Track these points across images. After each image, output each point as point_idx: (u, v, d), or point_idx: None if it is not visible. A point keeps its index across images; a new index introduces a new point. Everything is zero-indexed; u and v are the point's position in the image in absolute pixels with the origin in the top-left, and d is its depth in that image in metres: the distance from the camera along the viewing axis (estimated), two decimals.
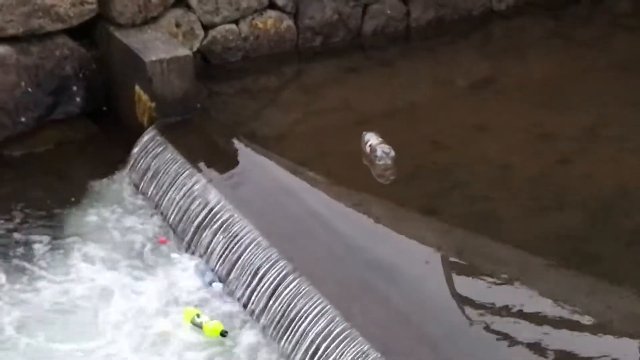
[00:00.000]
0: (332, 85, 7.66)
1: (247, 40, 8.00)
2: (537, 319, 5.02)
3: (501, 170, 6.41)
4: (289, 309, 5.29)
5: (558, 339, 4.86)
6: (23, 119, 7.21)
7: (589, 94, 7.33)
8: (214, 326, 5.41)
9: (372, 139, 6.31)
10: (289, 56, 8.08)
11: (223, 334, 5.38)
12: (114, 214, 6.50)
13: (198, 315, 5.48)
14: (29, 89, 7.20)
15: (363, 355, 4.82)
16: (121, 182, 6.82)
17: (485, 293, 5.23)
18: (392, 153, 6.15)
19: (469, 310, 5.10)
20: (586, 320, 4.99)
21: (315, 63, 8.03)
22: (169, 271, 5.92)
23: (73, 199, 6.62)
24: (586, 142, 6.74)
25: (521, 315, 5.06)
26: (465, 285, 5.31)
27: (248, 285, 5.59)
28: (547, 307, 5.08)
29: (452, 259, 5.57)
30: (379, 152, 6.10)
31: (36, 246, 6.18)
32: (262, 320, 5.43)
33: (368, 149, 6.22)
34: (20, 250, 6.15)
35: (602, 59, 7.99)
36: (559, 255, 5.52)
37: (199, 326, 5.44)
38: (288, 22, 8.11)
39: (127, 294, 5.76)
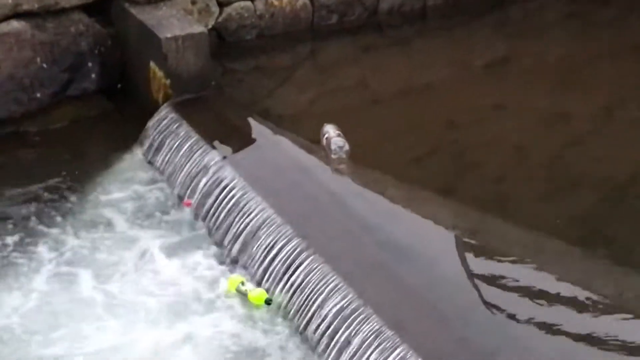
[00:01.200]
0: (348, 64, 7.65)
1: (263, 18, 7.99)
2: (551, 299, 5.01)
3: (516, 150, 6.39)
4: (303, 286, 5.31)
5: (572, 320, 4.85)
6: (38, 95, 7.22)
7: (605, 76, 7.30)
8: (258, 294, 5.45)
9: (330, 131, 6.25)
10: (304, 34, 8.07)
11: (267, 301, 5.43)
12: (128, 190, 6.52)
13: (242, 283, 5.53)
14: (44, 65, 7.20)
15: (376, 333, 4.82)
16: (136, 159, 6.83)
17: (500, 273, 5.23)
18: (347, 147, 6.09)
19: (483, 290, 5.10)
20: (601, 301, 4.97)
21: (331, 41, 8.02)
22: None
23: (88, 175, 6.64)
24: (602, 124, 6.72)
25: (535, 295, 5.06)
26: (480, 265, 5.30)
27: (261, 263, 5.60)
28: (561, 287, 5.07)
29: (467, 239, 5.56)
30: (333, 146, 6.08)
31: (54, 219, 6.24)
32: (276, 296, 5.44)
33: (324, 141, 6.19)
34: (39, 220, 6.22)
35: (619, 40, 7.95)
36: (574, 236, 5.51)
37: (243, 294, 5.49)
38: None
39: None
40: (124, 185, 6.57)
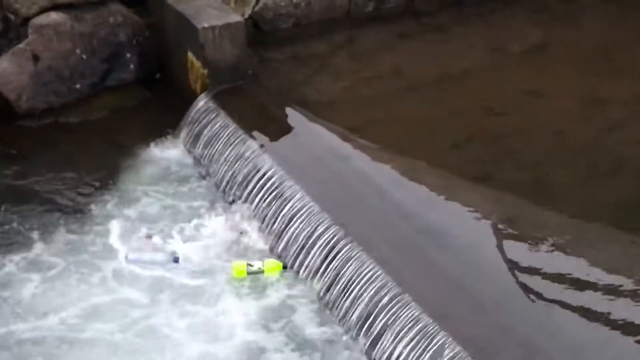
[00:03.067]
0: (384, 52, 7.64)
1: (299, 7, 8.00)
2: (589, 286, 5.01)
3: (554, 136, 6.36)
4: (341, 274, 5.34)
5: (611, 307, 4.84)
6: (78, 86, 7.30)
7: None
8: (273, 265, 5.58)
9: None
10: (340, 22, 8.07)
11: (284, 267, 5.58)
12: (166, 180, 6.58)
13: (250, 265, 5.59)
14: (84, 56, 7.27)
15: (415, 320, 4.85)
16: (174, 148, 6.88)
17: (538, 260, 5.23)
18: None
19: (521, 276, 5.10)
20: None
21: (367, 29, 8.01)
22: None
23: (128, 165, 6.71)
24: None
25: (574, 282, 5.05)
26: (518, 251, 5.30)
27: (299, 251, 5.64)
28: (600, 274, 5.06)
29: (504, 226, 5.55)
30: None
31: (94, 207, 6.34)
32: (314, 283, 5.49)
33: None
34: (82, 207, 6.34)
35: None
36: (613, 222, 5.48)
37: (258, 272, 5.59)
38: None
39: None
40: (163, 175, 6.63)
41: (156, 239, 5.85)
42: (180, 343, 5.23)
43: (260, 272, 5.58)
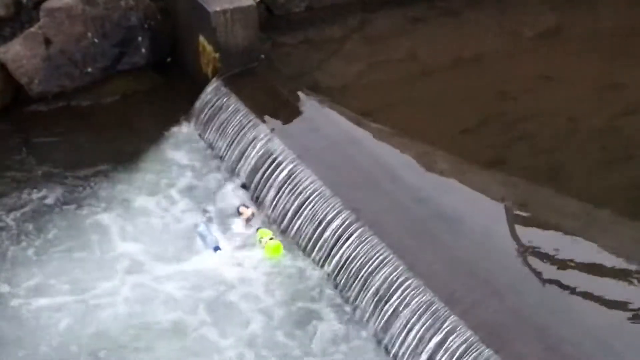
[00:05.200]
0: (397, 36, 7.59)
1: None
2: (603, 271, 4.98)
3: (568, 121, 6.32)
4: (352, 257, 5.32)
5: (625, 292, 4.81)
6: (90, 70, 7.28)
7: None
8: (275, 245, 5.65)
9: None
10: (353, 6, 8.01)
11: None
12: (178, 163, 6.57)
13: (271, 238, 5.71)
14: (96, 40, 7.25)
15: (427, 305, 4.83)
16: (186, 132, 6.87)
17: (551, 245, 5.19)
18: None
19: (534, 261, 5.07)
20: None
21: (380, 13, 7.95)
22: None
23: (139, 148, 6.70)
24: None
25: (587, 267, 5.02)
26: (531, 236, 5.27)
27: (312, 235, 5.62)
28: (613, 259, 5.03)
29: (518, 211, 5.52)
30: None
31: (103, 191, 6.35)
32: (325, 268, 5.47)
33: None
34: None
35: None
36: (627, 208, 5.44)
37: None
38: None
39: None
40: (174, 158, 6.62)
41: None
42: None
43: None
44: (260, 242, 5.72)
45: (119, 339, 5.18)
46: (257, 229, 5.85)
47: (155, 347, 5.13)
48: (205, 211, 6.08)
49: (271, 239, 5.70)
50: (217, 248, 5.79)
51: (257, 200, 6.10)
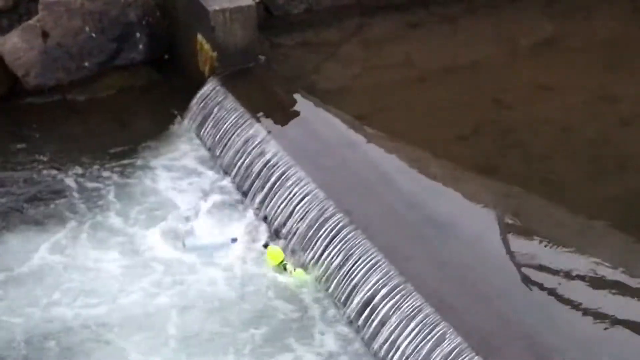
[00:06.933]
0: (394, 41, 7.61)
1: None
2: (591, 280, 5.01)
3: (562, 131, 6.35)
4: (343, 261, 5.34)
5: (614, 303, 4.84)
6: (86, 64, 7.28)
7: None
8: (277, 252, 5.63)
9: None
10: (351, 10, 8.04)
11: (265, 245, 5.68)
12: (172, 160, 6.59)
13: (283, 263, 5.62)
14: (93, 35, 7.26)
15: (416, 310, 4.85)
16: (181, 130, 6.88)
17: (542, 254, 5.22)
18: None
19: (524, 269, 5.09)
20: None
21: (378, 18, 7.97)
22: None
23: (133, 144, 6.72)
24: None
25: (576, 276, 5.05)
26: (522, 245, 5.30)
27: (303, 236, 5.64)
28: (602, 269, 5.06)
29: (509, 219, 5.55)
30: None
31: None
32: (316, 270, 5.49)
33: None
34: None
35: None
36: (618, 218, 5.47)
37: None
38: None
39: None
40: (169, 156, 6.64)
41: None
42: None
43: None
44: (285, 269, 5.60)
45: None
46: (265, 245, 5.76)
47: None
48: (184, 230, 5.93)
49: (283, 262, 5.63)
50: (234, 240, 5.75)
51: (246, 196, 6.14)
